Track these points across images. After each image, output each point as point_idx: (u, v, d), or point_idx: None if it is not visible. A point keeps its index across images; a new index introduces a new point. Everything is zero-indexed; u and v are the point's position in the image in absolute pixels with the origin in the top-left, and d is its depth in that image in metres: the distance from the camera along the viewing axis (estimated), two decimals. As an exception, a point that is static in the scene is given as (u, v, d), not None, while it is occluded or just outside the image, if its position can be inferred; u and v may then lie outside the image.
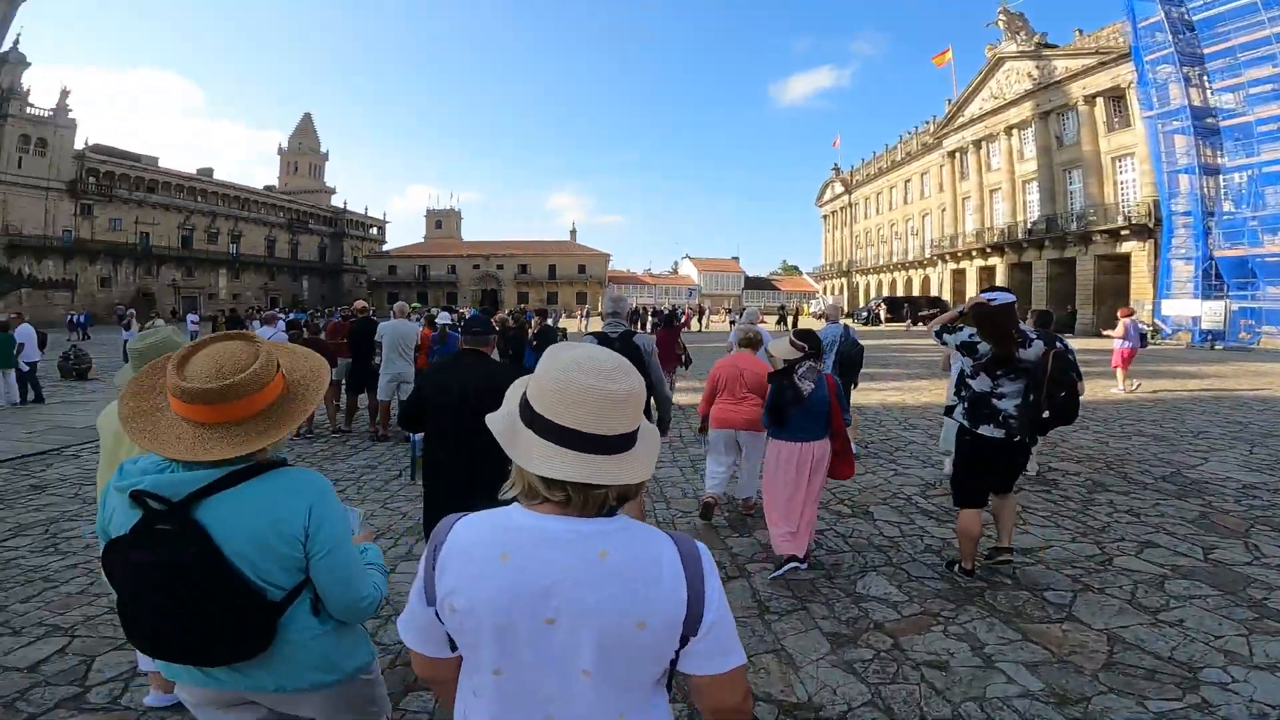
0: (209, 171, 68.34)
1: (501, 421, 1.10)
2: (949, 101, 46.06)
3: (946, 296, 45.98)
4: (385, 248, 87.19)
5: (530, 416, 1.06)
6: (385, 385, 8.44)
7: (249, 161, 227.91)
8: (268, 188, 79.81)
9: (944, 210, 48.93)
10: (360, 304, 10.14)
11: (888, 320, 42.89)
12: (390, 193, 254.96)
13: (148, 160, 60.03)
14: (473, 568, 1.05)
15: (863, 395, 11.88)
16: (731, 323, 32.98)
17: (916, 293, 51.18)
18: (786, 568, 4.14)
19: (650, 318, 31.41)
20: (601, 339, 4.29)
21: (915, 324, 37.98)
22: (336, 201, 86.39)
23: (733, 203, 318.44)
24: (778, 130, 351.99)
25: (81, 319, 30.03)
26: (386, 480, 6.58)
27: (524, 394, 1.10)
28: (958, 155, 46.12)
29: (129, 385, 1.56)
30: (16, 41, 51.95)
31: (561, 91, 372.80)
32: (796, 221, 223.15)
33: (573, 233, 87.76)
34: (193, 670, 1.52)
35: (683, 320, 16.12)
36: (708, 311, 47.24)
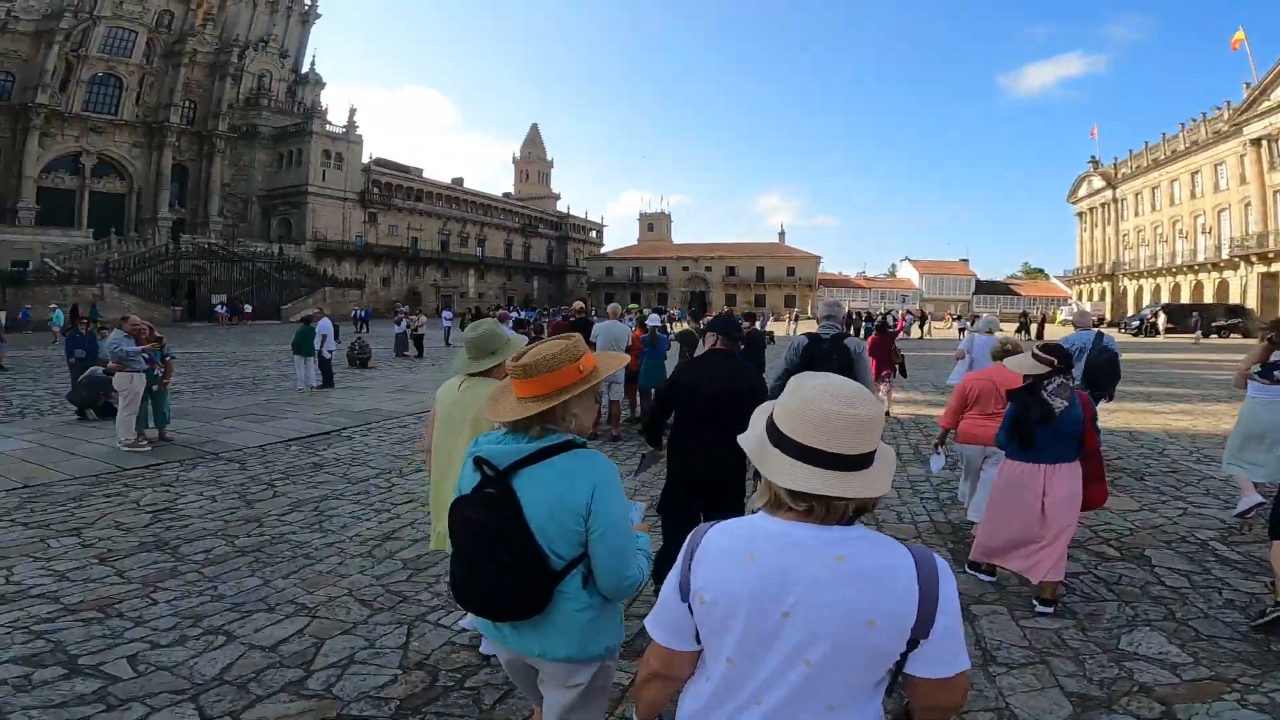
0: (460, 181, 78.31)
1: (751, 442, 1.27)
2: (1247, 85, 38.53)
3: (1252, 304, 37.59)
4: (603, 250, 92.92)
5: (778, 438, 1.21)
6: (609, 388, 8.59)
7: (493, 171, 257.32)
8: (505, 195, 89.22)
9: (1246, 205, 40.13)
10: (578, 304, 10.65)
11: (1168, 331, 35.98)
12: (607, 197, 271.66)
13: (415, 172, 70.33)
14: (722, 566, 1.22)
15: (1140, 418, 10.02)
16: (962, 330, 29.93)
17: (1209, 299, 42.41)
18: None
19: (863, 323, 29.65)
20: (814, 340, 4.58)
21: (1207, 336, 31.77)
22: (561, 207, 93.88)
23: (958, 202, 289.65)
24: (1011, 124, 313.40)
25: (363, 314, 35.87)
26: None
27: (769, 418, 1.25)
28: (1265, 143, 37.71)
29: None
30: (313, 63, 64.20)
31: (770, 91, 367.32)
32: (1038, 221, 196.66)
33: (781, 234, 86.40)
34: (486, 623, 1.82)
35: (895, 328, 14.87)
36: (929, 318, 43.50)
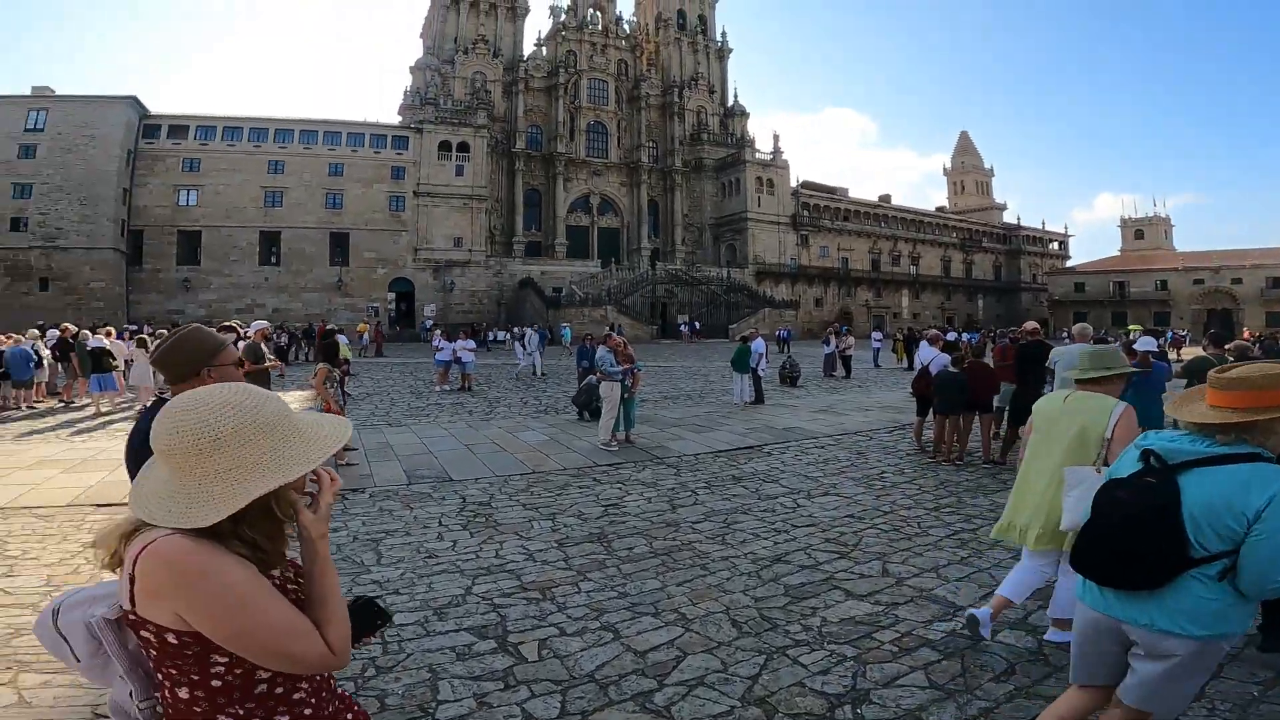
0: (887, 198, 75.71)
1: None
2: None
3: None
4: (1069, 263, 78.68)
5: None
6: None
7: (918, 185, 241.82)
8: (938, 209, 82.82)
9: None
10: (1031, 325, 8.93)
11: None
12: (1069, 205, 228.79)
13: (840, 192, 70.61)
14: None
15: None
16: None
17: None
18: None
19: None
20: None
21: None
22: (1008, 218, 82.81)
23: None
24: None
25: (785, 334, 37.49)
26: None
27: None
28: None
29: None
30: (735, 95, 69.40)
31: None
32: None
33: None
34: (1093, 589, 2.10)
35: None
36: None
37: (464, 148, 49.86)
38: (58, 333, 14.92)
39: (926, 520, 5.91)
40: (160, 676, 1.19)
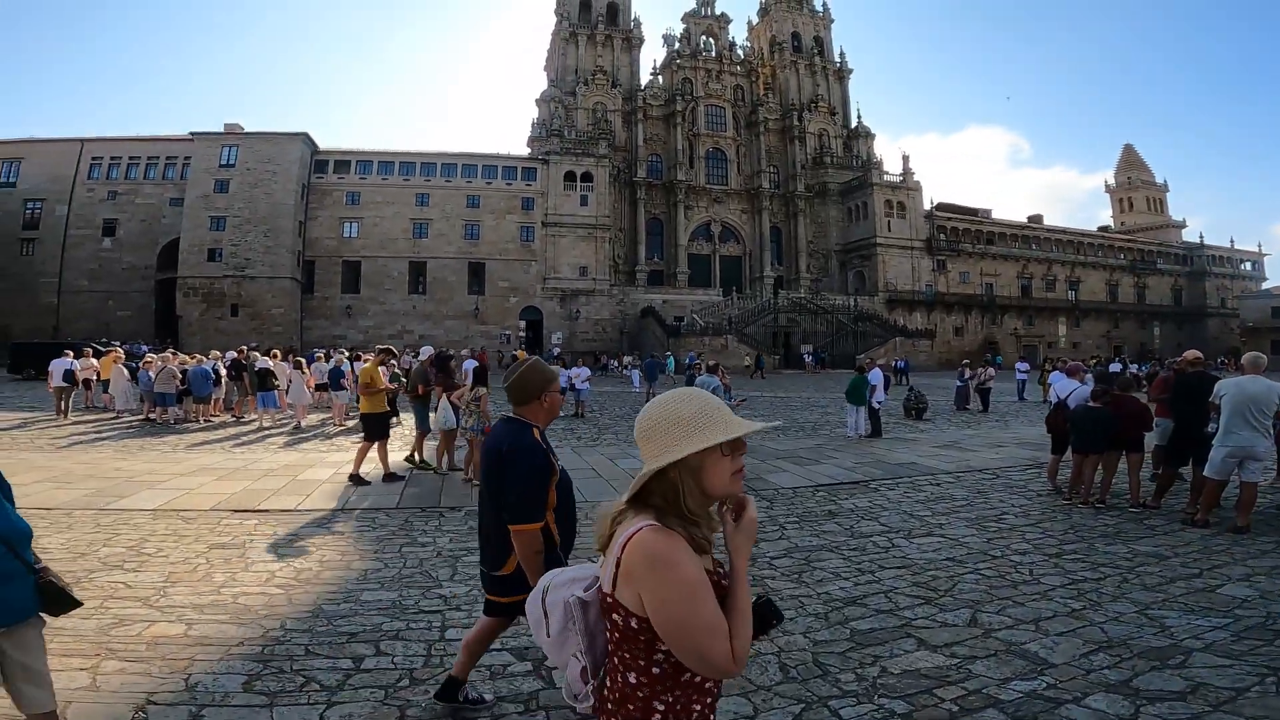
0: (1039, 218, 69.44)
1: None
2: None
3: None
4: (1265, 285, 68.28)
5: None
6: (1221, 461, 6.30)
7: (1083, 203, 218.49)
8: (1102, 228, 74.98)
9: None
10: (1193, 354, 7.81)
11: None
12: (1268, 220, 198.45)
13: (983, 213, 65.72)
14: None
15: None
16: None
17: None
18: None
19: None
20: None
21: None
22: (1189, 236, 73.30)
23: None
24: None
25: (902, 364, 35.20)
26: (1168, 579, 4.87)
27: None
28: None
29: None
30: (858, 116, 66.35)
31: None
32: None
33: None
34: None
35: None
36: None
37: (587, 178, 51.93)
38: (235, 354, 17.02)
39: (1042, 566, 5.27)
40: (615, 660, 1.39)
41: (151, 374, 14.82)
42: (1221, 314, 67.28)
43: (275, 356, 16.39)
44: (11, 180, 47.63)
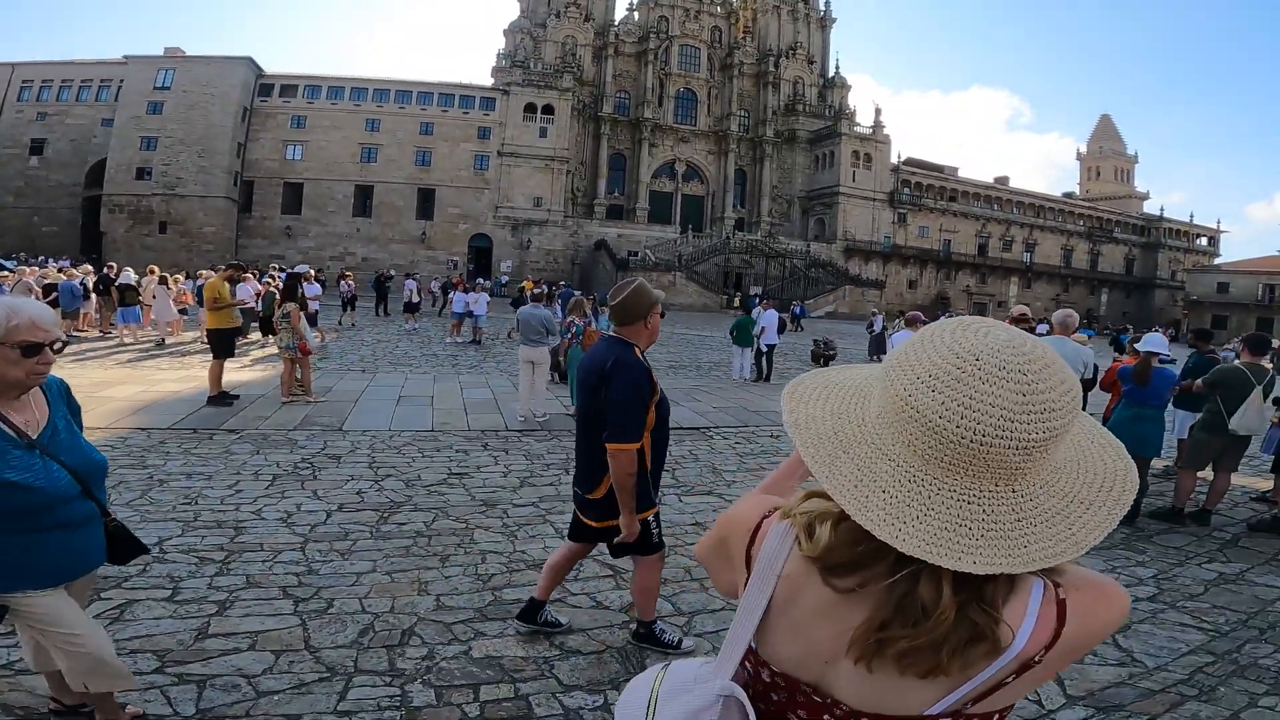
0: (1005, 180, 69.26)
1: None
2: None
3: None
4: (1217, 261, 69.55)
5: None
6: None
7: (1068, 170, 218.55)
8: (1066, 194, 75.16)
9: None
10: (1019, 310, 7.59)
11: None
12: (1241, 200, 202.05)
13: (949, 170, 65.24)
14: None
15: None
16: None
17: None
18: None
19: None
20: None
21: None
22: (1151, 208, 73.94)
23: None
24: None
25: (799, 309, 35.58)
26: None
27: None
28: None
29: None
30: (837, 67, 64.95)
31: None
32: None
33: None
34: None
35: None
36: None
37: (549, 110, 49.99)
38: (106, 271, 16.11)
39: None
40: None
41: (7, 288, 14.02)
42: (1170, 286, 68.47)
43: (152, 272, 15.58)
44: (-63, 105, 45.33)
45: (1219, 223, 75.67)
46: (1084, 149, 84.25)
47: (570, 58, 54.55)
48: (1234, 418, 5.58)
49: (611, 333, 2.82)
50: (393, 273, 30.43)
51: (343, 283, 20.59)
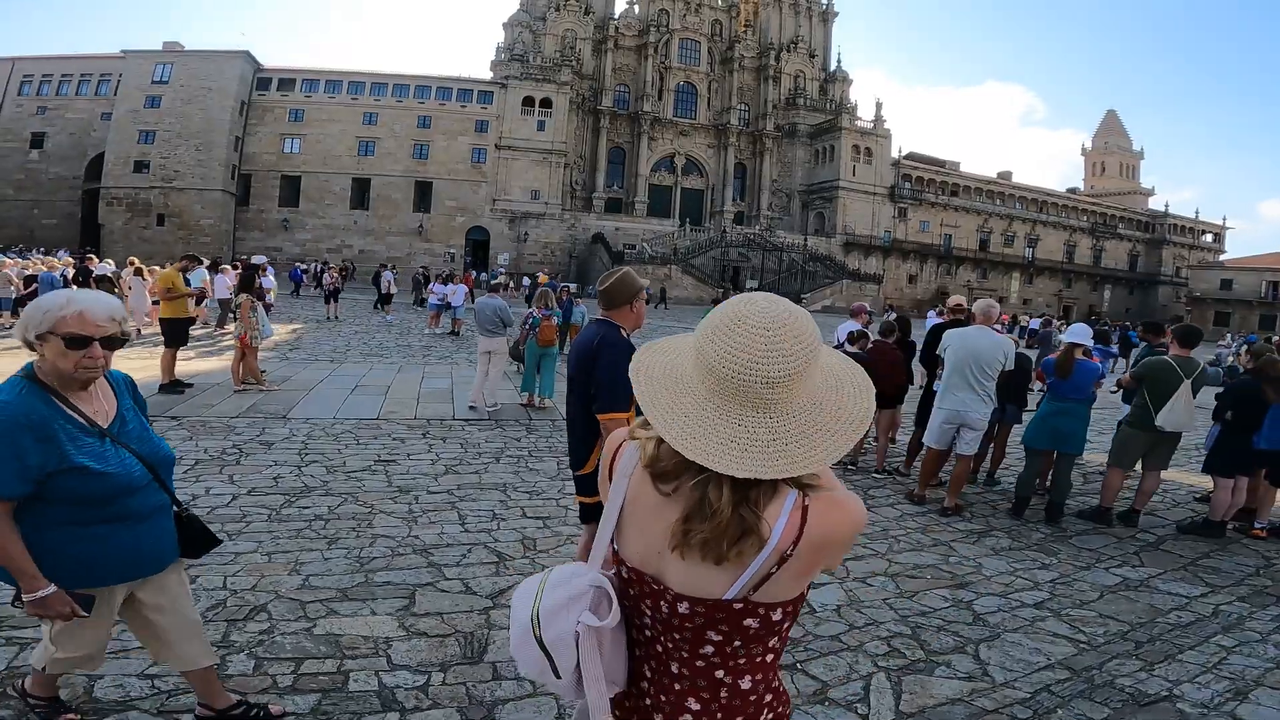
0: (1008, 175, 68.71)
1: None
2: None
3: None
4: (1222, 258, 69.04)
5: None
6: (939, 428, 5.74)
7: (1076, 166, 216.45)
8: (1070, 190, 74.53)
9: None
10: (955, 300, 7.50)
11: None
12: (1256, 198, 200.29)
13: (950, 165, 64.79)
14: None
15: None
16: None
17: None
18: None
19: None
20: None
21: None
22: (1156, 204, 73.31)
23: None
24: None
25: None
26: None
27: None
28: None
29: None
30: (839, 60, 64.56)
31: None
32: None
33: None
34: None
35: None
36: None
37: (546, 104, 49.88)
38: (86, 263, 16.22)
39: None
40: (716, 675, 1.10)
41: (-13, 278, 14.15)
42: (1174, 283, 67.89)
43: (132, 264, 15.68)
44: (-63, 99, 45.88)
45: (1225, 219, 74.97)
46: (1089, 144, 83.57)
47: (570, 51, 54.37)
48: (1160, 413, 5.37)
49: (600, 316, 3.00)
50: (394, 267, 30.44)
51: (325, 276, 20.63)
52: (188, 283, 9.14)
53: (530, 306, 9.67)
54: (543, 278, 29.80)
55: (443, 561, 3.86)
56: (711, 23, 60.70)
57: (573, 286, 19.68)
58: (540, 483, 5.63)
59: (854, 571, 4.15)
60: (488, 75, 53.49)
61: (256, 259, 16.76)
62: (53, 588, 1.85)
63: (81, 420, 1.89)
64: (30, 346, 1.87)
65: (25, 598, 1.86)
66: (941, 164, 64.57)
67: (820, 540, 1.00)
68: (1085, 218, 67.75)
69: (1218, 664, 3.32)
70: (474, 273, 38.90)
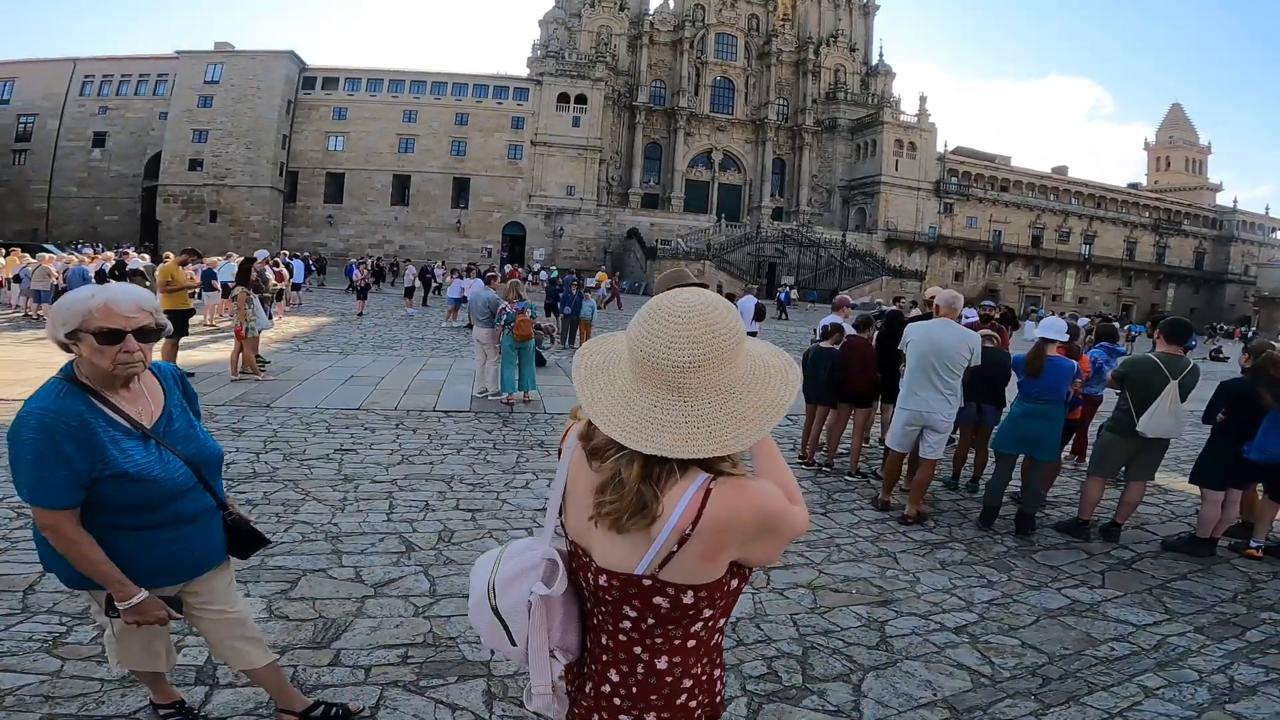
0: (1063, 169, 65.94)
1: None
2: None
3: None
4: (1296, 254, 65.04)
5: None
6: (901, 429, 5.43)
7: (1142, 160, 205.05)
8: (1132, 185, 71.04)
9: None
10: (933, 292, 7.06)
11: None
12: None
13: (1000, 160, 62.50)
14: None
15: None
16: None
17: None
18: None
19: None
20: None
21: None
22: (1224, 200, 69.24)
23: None
24: None
25: (784, 296, 36.08)
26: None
27: None
28: None
29: None
30: (880, 54, 62.77)
31: None
32: None
33: None
34: None
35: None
36: None
37: (582, 100, 50.10)
38: (122, 258, 16.98)
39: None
40: (634, 651, 1.18)
41: (30, 272, 14.99)
42: (1242, 281, 64.28)
43: (167, 258, 16.31)
44: (5, 98, 48.89)
45: (1305, 214, 70.34)
46: (1152, 138, 79.58)
47: (604, 47, 54.43)
48: (1142, 418, 4.87)
49: None
50: (442, 263, 31.13)
51: (355, 273, 21.11)
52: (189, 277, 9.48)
53: (552, 297, 9.59)
54: (601, 276, 30.12)
55: (347, 549, 3.87)
56: (748, 17, 59.89)
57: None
58: (490, 475, 5.61)
59: (775, 581, 3.96)
60: (524, 72, 53.97)
61: (258, 253, 17.28)
62: (144, 593, 1.79)
63: (124, 422, 1.79)
64: (65, 348, 1.77)
65: (119, 605, 1.78)
66: (991, 159, 62.42)
67: (720, 523, 1.03)
68: (1147, 214, 64.60)
69: (1126, 709, 2.90)
70: (519, 267, 39.36)
